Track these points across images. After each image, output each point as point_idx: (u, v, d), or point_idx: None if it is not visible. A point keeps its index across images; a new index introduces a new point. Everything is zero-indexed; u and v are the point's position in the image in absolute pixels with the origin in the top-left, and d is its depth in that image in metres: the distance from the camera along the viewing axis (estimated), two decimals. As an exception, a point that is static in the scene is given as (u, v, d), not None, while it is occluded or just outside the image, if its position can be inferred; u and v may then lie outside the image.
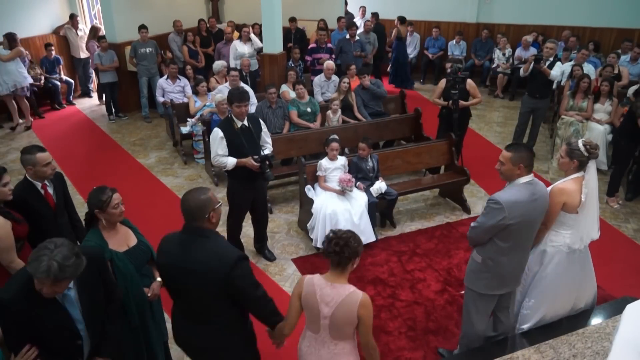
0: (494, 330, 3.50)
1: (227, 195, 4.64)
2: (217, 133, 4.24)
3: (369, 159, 5.29)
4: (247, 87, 7.12)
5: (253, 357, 2.90)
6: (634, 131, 5.63)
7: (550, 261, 3.39)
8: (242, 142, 4.27)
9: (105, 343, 2.59)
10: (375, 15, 11.00)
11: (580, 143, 3.26)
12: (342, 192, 4.99)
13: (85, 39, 9.73)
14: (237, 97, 4.20)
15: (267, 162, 4.35)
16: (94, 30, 9.50)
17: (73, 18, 9.84)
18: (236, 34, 9.65)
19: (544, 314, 3.48)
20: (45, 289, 2.19)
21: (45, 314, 2.29)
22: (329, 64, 7.55)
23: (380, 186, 5.17)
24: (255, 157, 4.28)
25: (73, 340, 2.42)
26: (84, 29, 10.09)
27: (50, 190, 3.50)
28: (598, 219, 3.45)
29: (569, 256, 3.38)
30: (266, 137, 4.54)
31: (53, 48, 9.41)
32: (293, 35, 9.83)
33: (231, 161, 4.25)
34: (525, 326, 3.51)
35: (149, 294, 2.97)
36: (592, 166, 3.26)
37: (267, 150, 4.49)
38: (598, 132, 6.63)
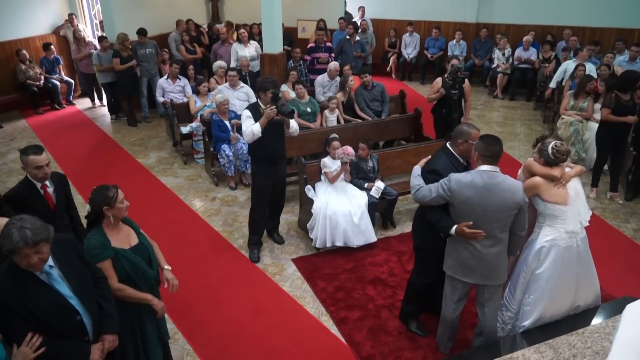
0: (477, 327, 3.56)
1: (251, 179, 4.86)
2: (246, 112, 4.53)
3: (369, 159, 5.29)
4: (247, 87, 7.14)
5: None
6: (609, 124, 5.76)
7: (547, 256, 3.42)
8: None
9: (106, 320, 2.63)
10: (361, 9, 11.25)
11: (550, 145, 3.38)
12: (346, 166, 5.00)
13: (86, 39, 9.73)
14: (272, 84, 4.47)
15: (283, 114, 4.48)
16: (75, 34, 9.42)
17: (71, 17, 9.84)
18: (234, 34, 9.64)
19: (544, 310, 3.49)
20: (30, 259, 2.24)
21: (35, 295, 2.32)
22: (335, 64, 7.55)
23: (378, 186, 5.16)
24: (272, 107, 4.38)
25: (71, 316, 2.45)
26: (83, 29, 10.09)
27: (50, 191, 3.51)
28: (585, 203, 3.57)
29: (566, 251, 3.41)
30: (292, 122, 4.71)
31: (53, 48, 9.42)
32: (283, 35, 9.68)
33: (256, 127, 4.40)
34: (527, 322, 3.53)
35: (165, 285, 3.04)
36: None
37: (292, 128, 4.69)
38: (598, 131, 6.64)
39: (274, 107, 4.37)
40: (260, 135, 4.39)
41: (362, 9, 11.46)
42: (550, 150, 3.38)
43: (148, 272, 2.96)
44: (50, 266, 2.40)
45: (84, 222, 3.07)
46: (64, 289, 2.44)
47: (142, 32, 8.46)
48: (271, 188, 4.79)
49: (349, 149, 4.95)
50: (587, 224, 3.55)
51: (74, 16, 9.93)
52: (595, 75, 7.29)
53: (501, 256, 3.27)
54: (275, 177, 4.75)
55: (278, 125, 4.55)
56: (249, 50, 8.56)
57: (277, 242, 5.17)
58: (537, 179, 3.41)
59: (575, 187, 3.47)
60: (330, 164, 5.11)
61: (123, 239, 2.92)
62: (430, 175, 3.42)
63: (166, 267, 3.13)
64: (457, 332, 3.72)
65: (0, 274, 2.33)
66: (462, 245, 3.24)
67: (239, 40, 8.69)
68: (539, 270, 3.45)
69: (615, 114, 5.68)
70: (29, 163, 3.34)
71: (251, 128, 4.39)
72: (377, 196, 5.11)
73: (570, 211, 3.40)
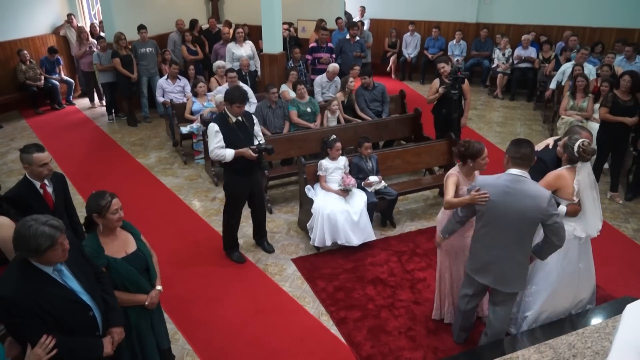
0: (485, 327, 3.56)
1: (224, 189, 4.70)
2: (213, 127, 4.33)
3: (369, 159, 5.29)
4: (247, 87, 7.14)
5: None
6: (608, 124, 5.80)
7: (556, 254, 3.40)
8: (237, 135, 4.38)
9: (112, 313, 2.66)
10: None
11: (577, 143, 3.30)
12: (344, 193, 4.99)
13: (89, 37, 9.70)
14: (239, 98, 4.30)
15: (264, 152, 4.43)
16: (79, 31, 9.37)
17: (70, 17, 9.82)
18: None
19: (546, 302, 3.50)
20: (64, 246, 2.33)
21: (50, 293, 2.34)
22: (335, 67, 7.55)
23: (376, 179, 5.16)
24: (253, 147, 4.37)
25: (84, 312, 2.48)
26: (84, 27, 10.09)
27: (50, 190, 3.51)
28: (599, 211, 3.50)
29: (569, 244, 3.40)
30: (258, 130, 4.66)
31: (57, 49, 9.45)
32: (290, 37, 9.56)
33: (229, 152, 4.32)
34: (528, 313, 3.54)
35: (146, 302, 2.94)
36: (583, 169, 3.31)
37: (259, 140, 4.58)
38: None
39: (256, 155, 4.35)
40: (231, 159, 4.32)
41: (362, 8, 11.46)
42: (575, 148, 3.28)
43: (142, 281, 2.93)
44: (60, 264, 2.41)
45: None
46: (75, 285, 2.46)
47: (142, 27, 8.48)
48: (246, 197, 4.69)
49: (349, 180, 4.96)
50: (596, 234, 3.51)
51: (73, 16, 9.93)
52: (594, 76, 7.30)
53: (516, 265, 3.19)
54: (253, 187, 4.65)
55: (248, 133, 4.46)
56: (245, 49, 8.52)
57: (268, 251, 5.03)
58: (564, 172, 3.39)
59: (584, 194, 3.40)
60: (328, 166, 5.11)
61: (119, 246, 2.88)
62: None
63: (158, 287, 3.05)
64: (472, 326, 3.76)
65: (12, 275, 2.32)
66: (480, 245, 3.27)
67: (234, 39, 8.66)
68: (543, 261, 3.45)
69: (612, 114, 5.71)
70: (34, 161, 3.34)
71: (223, 153, 4.29)
72: (370, 189, 5.12)
73: (584, 213, 3.38)
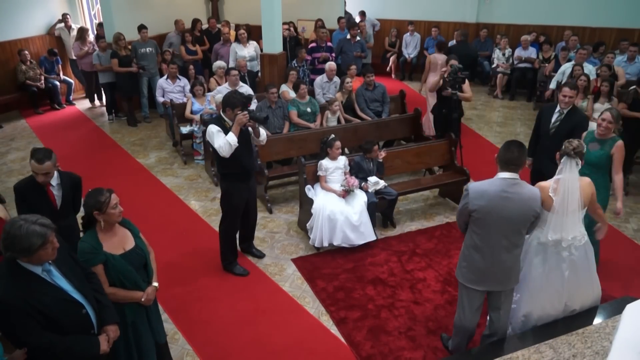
0: (488, 329, 3.52)
1: (222, 200, 4.55)
2: (214, 128, 4.15)
3: (372, 161, 5.29)
4: (247, 87, 7.13)
5: None
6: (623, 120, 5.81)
7: (535, 257, 3.40)
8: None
9: (105, 311, 2.67)
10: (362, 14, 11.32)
11: (576, 140, 3.31)
12: (345, 193, 4.99)
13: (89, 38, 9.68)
14: (242, 103, 4.16)
15: (256, 120, 4.25)
16: (81, 31, 9.33)
17: (65, 17, 9.78)
18: (233, 33, 9.60)
19: (531, 310, 3.46)
20: (54, 244, 2.34)
21: (40, 292, 2.34)
22: (332, 65, 7.54)
23: (371, 180, 5.16)
24: (244, 112, 4.10)
25: (77, 310, 2.48)
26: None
27: (54, 191, 3.54)
28: (578, 223, 3.30)
29: (555, 255, 3.35)
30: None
31: (57, 51, 9.43)
32: (290, 37, 9.48)
33: (232, 138, 4.07)
34: (514, 320, 3.52)
35: (142, 299, 2.95)
36: (570, 165, 3.26)
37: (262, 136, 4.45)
38: (598, 132, 6.62)
39: (245, 112, 4.08)
40: (237, 144, 4.08)
41: (362, 13, 11.41)
42: (572, 143, 3.27)
43: (139, 278, 2.94)
44: (49, 263, 2.42)
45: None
46: (65, 284, 2.46)
47: (143, 27, 8.48)
48: (244, 206, 4.55)
49: (353, 181, 4.97)
50: (571, 241, 3.35)
51: (68, 16, 9.86)
52: (594, 76, 7.30)
53: (516, 259, 3.21)
54: (249, 193, 4.54)
55: (245, 137, 4.27)
56: (248, 50, 8.54)
57: (259, 257, 4.94)
58: (543, 183, 3.34)
59: (567, 199, 3.28)
60: (328, 166, 5.11)
61: (117, 243, 2.89)
62: None
63: (154, 283, 3.05)
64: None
65: (1, 277, 2.32)
66: (474, 250, 3.17)
67: (237, 40, 8.67)
68: (525, 270, 3.43)
69: (631, 110, 5.84)
70: (30, 167, 3.44)
71: (225, 140, 4.04)
72: (371, 190, 5.12)
73: (555, 219, 3.27)
